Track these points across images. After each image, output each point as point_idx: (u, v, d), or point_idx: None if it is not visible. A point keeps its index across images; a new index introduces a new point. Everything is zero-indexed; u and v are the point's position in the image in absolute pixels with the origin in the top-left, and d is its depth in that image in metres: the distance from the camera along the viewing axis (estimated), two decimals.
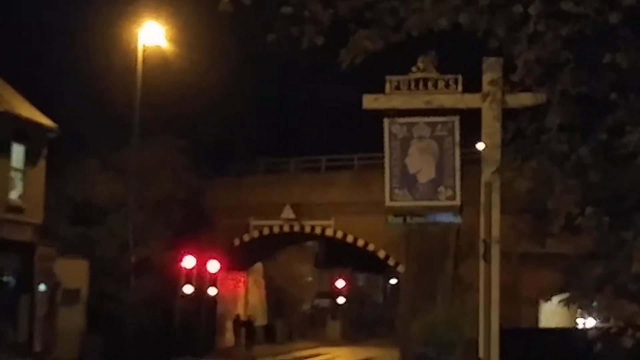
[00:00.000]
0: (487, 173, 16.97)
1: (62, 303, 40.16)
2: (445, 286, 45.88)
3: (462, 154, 18.99)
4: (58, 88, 43.98)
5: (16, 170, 36.73)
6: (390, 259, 50.21)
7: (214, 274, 47.27)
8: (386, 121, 18.84)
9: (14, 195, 36.73)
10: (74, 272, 40.88)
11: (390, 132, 18.78)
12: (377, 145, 19.68)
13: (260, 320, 63.68)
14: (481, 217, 17.14)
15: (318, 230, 52.21)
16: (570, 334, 35.35)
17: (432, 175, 18.74)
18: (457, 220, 20.04)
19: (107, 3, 44.13)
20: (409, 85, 18.25)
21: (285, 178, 52.39)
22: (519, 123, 12.83)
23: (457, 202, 18.88)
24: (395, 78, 18.37)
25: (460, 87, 18.20)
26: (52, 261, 38.85)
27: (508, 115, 15.83)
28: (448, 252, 46.01)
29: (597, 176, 11.98)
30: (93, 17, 44.13)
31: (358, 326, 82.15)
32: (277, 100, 58.11)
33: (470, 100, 18.06)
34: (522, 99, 13.83)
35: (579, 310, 34.32)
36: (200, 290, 46.33)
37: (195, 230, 48.78)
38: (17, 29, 45.29)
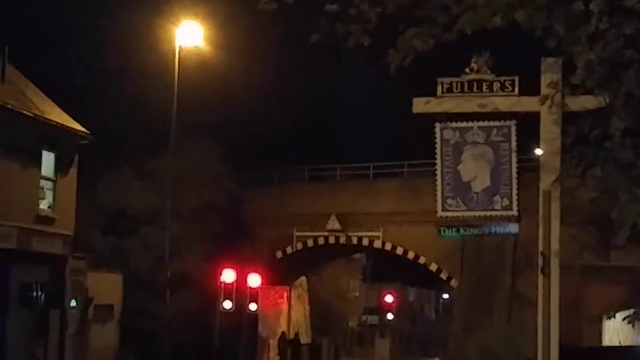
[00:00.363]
0: (546, 181, 16.88)
1: (95, 319, 40.38)
2: (502, 302, 45.63)
3: (519, 161, 18.89)
4: (90, 92, 44.30)
5: (46, 179, 37.01)
6: (443, 272, 50.00)
7: (255, 288, 47.26)
8: (438, 126, 18.79)
9: (44, 205, 37.03)
10: (107, 287, 41.12)
11: (442, 138, 18.72)
12: (429, 152, 19.63)
13: (305, 338, 63.67)
14: (540, 228, 17.05)
15: (365, 242, 52.12)
16: (636, 353, 35.01)
17: (487, 183, 18.64)
18: (514, 231, 19.93)
19: (142, 2, 44.45)
20: (462, 87, 18.17)
21: (330, 187, 52.40)
22: (580, 128, 12.77)
23: (514, 212, 18.76)
24: (447, 80, 18.30)
25: (517, 90, 18.09)
26: (84, 275, 39.06)
27: (568, 119, 15.76)
28: (505, 265, 45.75)
29: None
30: (127, 17, 44.44)
31: (408, 344, 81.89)
32: (323, 104, 58.17)
33: (528, 104, 17.96)
34: (584, 102, 13.79)
35: None
36: (240, 306, 46.36)
37: (235, 242, 48.88)
38: (48, 31, 45.75)
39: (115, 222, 44.76)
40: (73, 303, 38.44)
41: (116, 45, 44.38)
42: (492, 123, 18.89)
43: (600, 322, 43.93)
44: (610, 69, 11.01)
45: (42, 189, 36.97)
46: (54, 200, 37.28)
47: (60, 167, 37.45)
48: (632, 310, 19.96)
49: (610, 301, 37.07)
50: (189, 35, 38.73)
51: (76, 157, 38.39)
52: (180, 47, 38.61)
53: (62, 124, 37.17)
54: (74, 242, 38.45)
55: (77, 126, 38.03)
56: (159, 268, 40.37)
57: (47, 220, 36.77)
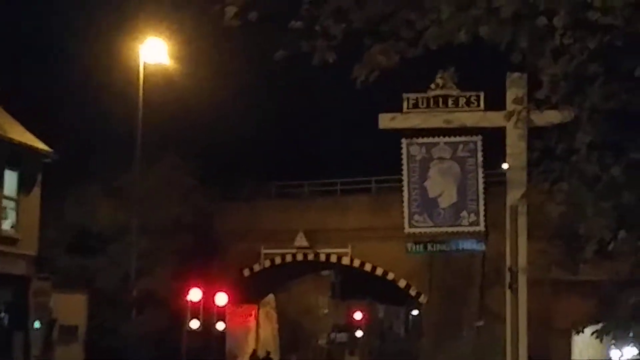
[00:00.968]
0: (512, 196, 16.94)
1: (59, 341, 40.10)
2: (471, 317, 45.76)
3: (485, 176, 18.95)
4: (54, 109, 44.13)
5: (9, 198, 36.79)
6: (412, 288, 50.10)
7: (222, 307, 47.17)
8: (404, 142, 18.79)
9: (6, 225, 36.81)
10: (71, 307, 40.86)
11: (408, 154, 18.71)
12: (396, 168, 19.65)
13: (273, 356, 63.54)
14: (507, 243, 17.11)
15: (334, 259, 52.15)
16: None
17: (454, 199, 18.64)
18: (482, 247, 19.96)
19: (106, 18, 44.37)
20: (428, 103, 18.20)
21: (298, 203, 52.41)
22: (546, 142, 12.84)
23: (482, 227, 18.77)
24: (412, 95, 18.32)
25: (482, 105, 18.14)
26: (48, 296, 38.79)
27: (535, 133, 15.85)
28: (473, 280, 45.91)
29: (631, 198, 11.96)
30: (91, 33, 44.38)
31: None
32: (290, 120, 58.25)
33: (494, 119, 18.01)
34: (549, 117, 13.85)
35: (614, 342, 34.21)
36: (208, 325, 46.26)
37: (203, 259, 48.77)
38: (10, 48, 45.53)
39: (81, 240, 44.55)
40: (37, 324, 38.18)
41: (80, 61, 44.28)
42: (458, 138, 18.91)
43: (569, 336, 44.16)
44: (575, 83, 11.08)
45: (5, 208, 36.78)
46: (17, 220, 37.09)
47: (24, 186, 37.27)
48: (600, 325, 20.09)
49: (579, 315, 37.25)
50: (154, 52, 38.71)
51: (40, 176, 38.23)
52: (144, 63, 38.57)
53: (25, 143, 37.01)
54: (38, 262, 38.24)
55: (41, 145, 37.87)
56: (125, 286, 40.17)
57: (10, 240, 36.56)
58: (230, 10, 10.94)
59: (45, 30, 45.78)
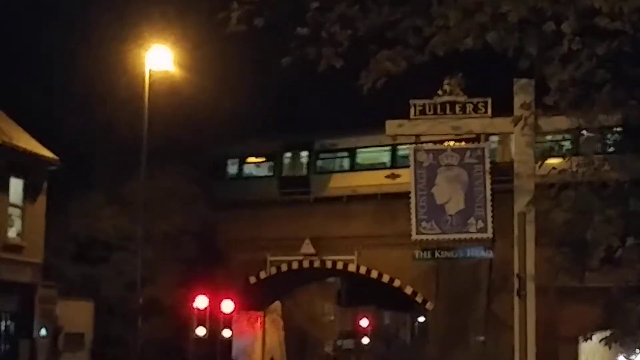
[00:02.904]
0: (520, 203, 16.90)
1: (65, 349, 40.07)
2: (477, 324, 45.68)
3: (493, 182, 18.90)
4: (60, 117, 44.11)
5: (14, 206, 36.79)
6: (418, 295, 50.03)
7: (229, 314, 47.12)
8: (411, 148, 18.79)
9: (12, 233, 36.80)
10: (77, 315, 40.85)
11: (415, 160, 18.69)
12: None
13: None
14: (515, 250, 17.07)
15: (340, 266, 52.10)
16: None
17: (462, 206, 18.58)
18: (489, 254, 19.92)
19: (111, 26, 44.33)
20: (435, 109, 18.18)
21: (304, 210, 52.32)
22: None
23: (489, 234, 18.71)
24: (420, 102, 18.30)
25: (489, 111, 18.11)
26: (53, 303, 38.80)
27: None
28: (480, 287, 45.83)
29: (638, 205, 11.93)
30: (97, 41, 44.33)
31: None
32: (297, 126, 58.07)
33: (501, 125, 18.00)
34: (557, 123, 13.82)
35: (622, 349, 34.06)
36: (214, 333, 46.20)
37: (208, 267, 48.75)
38: (16, 55, 45.56)
39: (86, 248, 44.55)
40: (43, 332, 38.16)
41: (86, 69, 44.22)
42: (465, 145, 18.91)
43: (576, 343, 44.00)
44: (583, 89, 11.05)
45: (10, 216, 36.77)
46: (22, 228, 37.08)
47: (29, 194, 37.25)
48: (608, 332, 20.00)
49: (586, 322, 37.10)
50: (159, 59, 38.70)
51: (45, 184, 38.22)
52: (150, 71, 38.57)
53: (31, 151, 37.00)
54: (44, 269, 38.23)
55: (46, 152, 37.87)
56: (130, 295, 40.14)
57: (16, 248, 36.54)
58: (235, 16, 10.94)
59: (49, 38, 45.76)
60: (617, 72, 10.95)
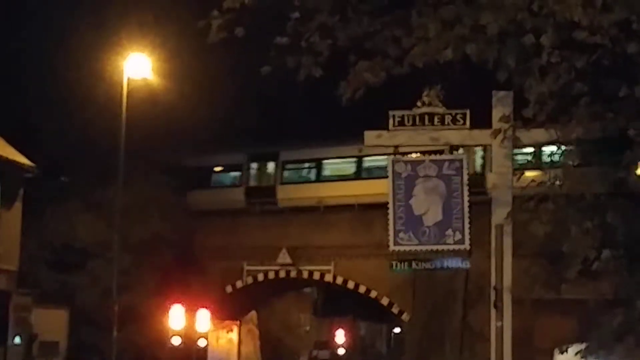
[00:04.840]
0: (498, 215, 16.95)
1: (39, 357, 39.89)
2: (453, 335, 45.72)
3: (470, 194, 18.93)
4: (36, 124, 43.97)
5: None
6: (395, 306, 50.04)
7: (204, 324, 46.99)
8: (389, 159, 18.80)
9: None
10: (52, 323, 40.66)
11: (393, 171, 18.70)
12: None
13: None
14: (492, 262, 17.11)
15: (316, 276, 52.05)
16: None
17: (439, 217, 18.59)
18: (466, 265, 19.94)
19: (89, 33, 44.19)
20: (414, 120, 18.18)
21: (281, 219, 52.27)
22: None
23: (466, 246, 18.72)
24: (399, 113, 18.31)
25: (468, 123, 18.15)
26: (28, 311, 38.62)
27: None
28: (456, 298, 45.88)
29: (615, 217, 11.98)
30: (74, 47, 44.17)
31: None
32: (274, 135, 58.07)
33: (480, 137, 18.04)
34: (535, 136, 13.86)
35: None
36: (189, 342, 46.08)
37: (185, 276, 48.60)
38: None
39: (62, 255, 44.34)
40: (17, 340, 37.98)
41: (63, 76, 44.07)
42: (443, 156, 18.95)
43: (552, 356, 44.09)
44: (561, 102, 11.10)
45: None
46: None
47: (5, 200, 37.08)
48: (584, 344, 20.06)
49: (562, 335, 37.16)
50: (137, 67, 38.64)
51: (21, 191, 38.07)
52: (128, 78, 38.50)
53: (7, 157, 36.84)
54: (19, 277, 38.05)
55: (22, 159, 37.71)
56: (106, 302, 39.98)
57: None
58: (216, 25, 10.95)
59: (27, 43, 45.63)
60: (595, 85, 11.00)
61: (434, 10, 10.88)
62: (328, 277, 51.74)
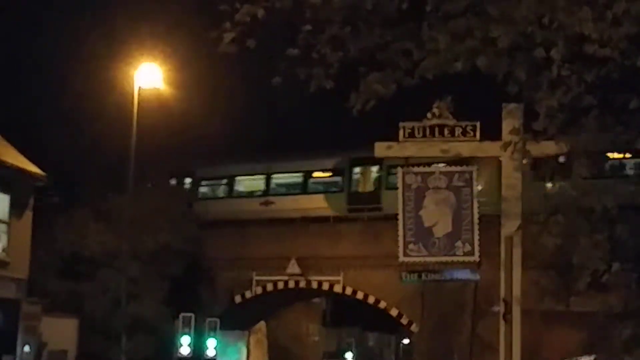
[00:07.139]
0: (507, 227, 16.97)
1: None
2: (462, 346, 45.65)
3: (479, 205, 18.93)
4: (48, 134, 44.14)
5: (0, 221, 36.69)
6: (404, 317, 49.98)
7: (213, 333, 47.00)
8: (400, 170, 18.84)
9: None
10: (61, 332, 40.66)
11: (404, 182, 18.74)
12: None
13: None
14: (501, 274, 17.12)
15: (326, 286, 52.00)
16: None
17: (449, 228, 18.63)
18: (476, 277, 19.94)
19: (100, 44, 44.44)
20: (424, 132, 18.22)
21: (291, 229, 52.27)
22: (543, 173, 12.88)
23: (476, 257, 18.75)
24: (409, 124, 18.35)
25: (478, 135, 18.17)
26: (37, 320, 38.62)
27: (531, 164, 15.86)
28: (465, 309, 45.82)
29: (625, 230, 12.00)
30: (86, 57, 44.47)
31: None
32: (285, 146, 58.20)
33: (490, 149, 18.06)
34: (545, 149, 13.87)
35: None
36: (198, 352, 46.09)
37: (194, 286, 48.64)
38: (3, 72, 45.61)
39: (71, 264, 44.40)
40: (27, 349, 37.97)
41: (74, 85, 44.30)
42: (454, 168, 18.98)
43: None
44: (571, 115, 11.12)
45: None
46: (7, 243, 36.94)
47: (15, 209, 37.13)
48: (593, 356, 20.07)
49: (571, 347, 37.18)
50: (148, 77, 38.74)
51: (31, 200, 38.11)
52: (139, 88, 38.59)
53: (17, 166, 36.90)
54: (29, 286, 38.09)
55: (33, 168, 37.78)
56: (115, 312, 40.02)
57: (1, 264, 36.41)
58: (228, 37, 10.99)
59: (39, 55, 45.88)
60: (604, 98, 11.03)
61: (444, 23, 10.92)
62: (337, 288, 51.68)
